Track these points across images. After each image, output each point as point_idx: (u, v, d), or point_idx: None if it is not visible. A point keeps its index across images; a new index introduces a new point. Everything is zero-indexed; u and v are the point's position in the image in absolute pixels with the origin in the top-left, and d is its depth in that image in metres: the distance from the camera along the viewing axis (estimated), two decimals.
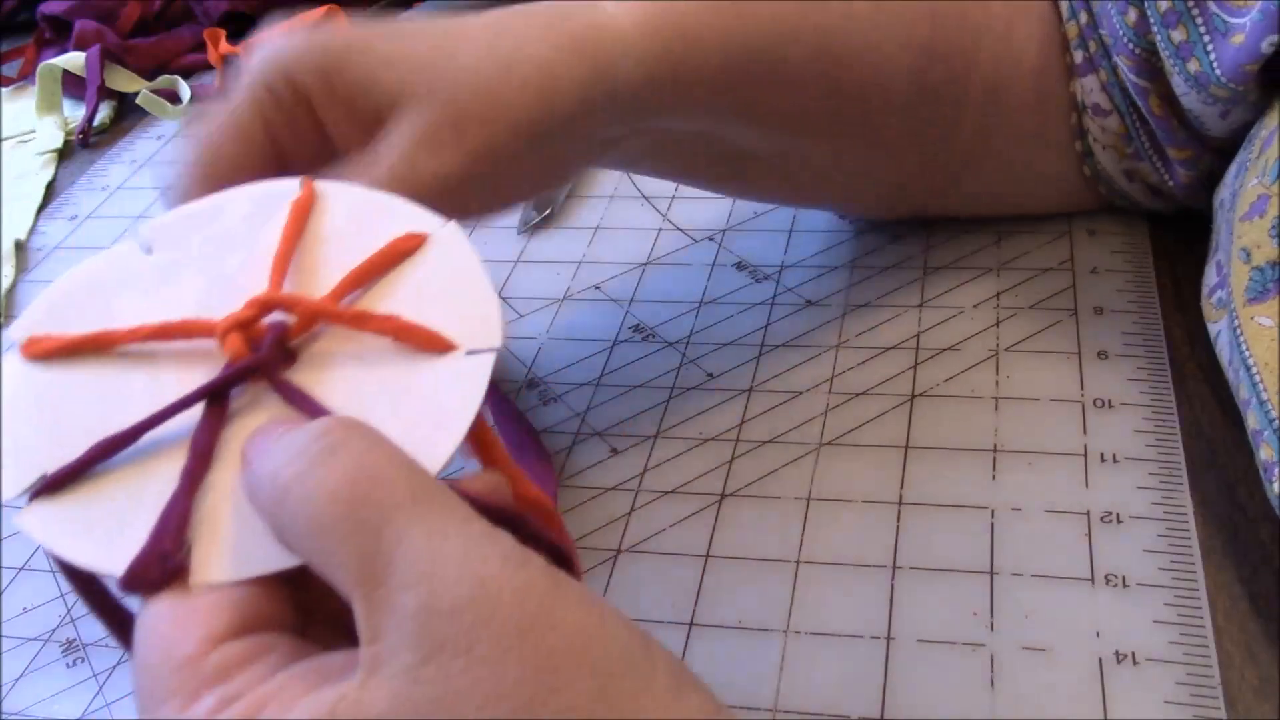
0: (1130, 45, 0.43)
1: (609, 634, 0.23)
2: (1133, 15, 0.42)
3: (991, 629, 0.36)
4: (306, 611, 0.26)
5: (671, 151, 0.44)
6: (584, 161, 0.43)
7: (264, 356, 0.27)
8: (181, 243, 0.31)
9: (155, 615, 0.25)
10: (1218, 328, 0.39)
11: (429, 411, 0.27)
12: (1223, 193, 0.41)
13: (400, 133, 0.35)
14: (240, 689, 0.23)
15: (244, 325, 0.28)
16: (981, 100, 0.46)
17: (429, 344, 0.27)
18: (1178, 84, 0.41)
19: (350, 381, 0.27)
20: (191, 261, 0.31)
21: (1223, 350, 0.38)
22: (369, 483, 0.23)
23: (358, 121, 0.35)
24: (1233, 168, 0.40)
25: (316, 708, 0.22)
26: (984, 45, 0.46)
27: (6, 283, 0.59)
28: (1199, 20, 0.40)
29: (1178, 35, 0.40)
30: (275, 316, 0.28)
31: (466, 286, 0.29)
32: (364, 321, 0.28)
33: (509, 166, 0.36)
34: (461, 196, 0.35)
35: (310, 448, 0.24)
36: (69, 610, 0.41)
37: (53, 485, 0.27)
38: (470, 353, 0.27)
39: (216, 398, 0.27)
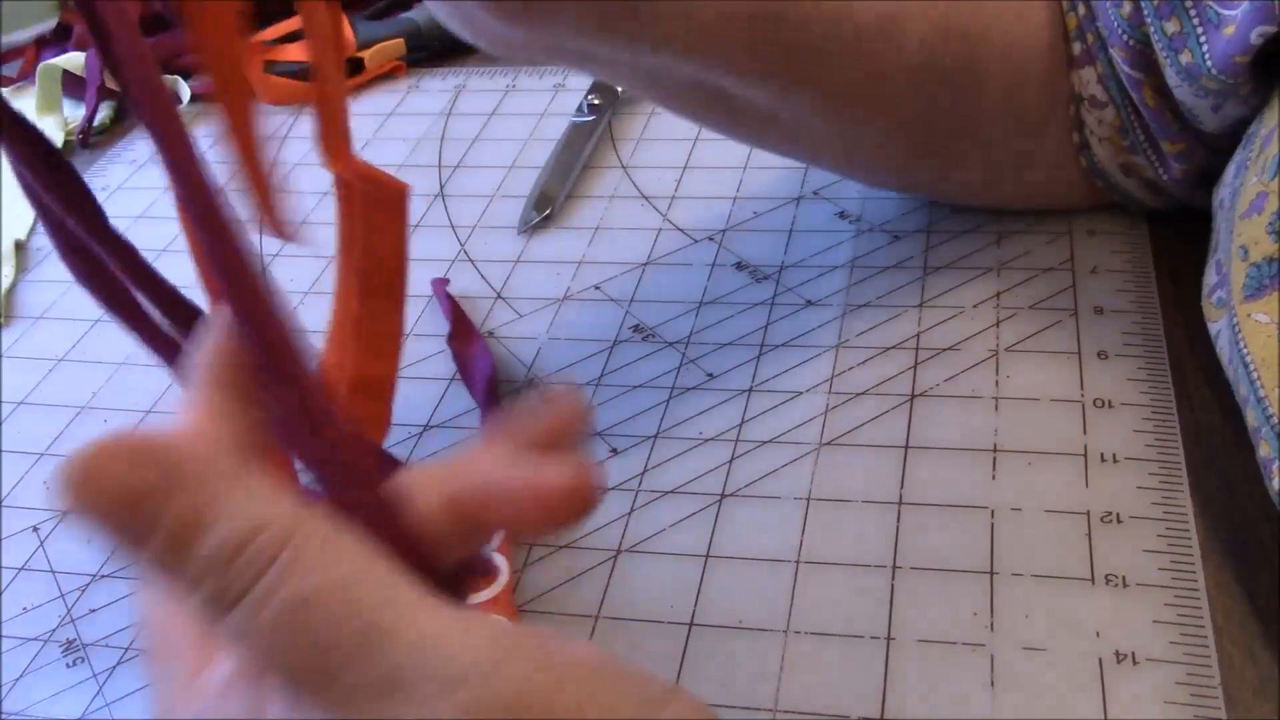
0: (1125, 37, 0.43)
1: (613, 705, 0.22)
2: (1128, 7, 0.43)
3: (991, 629, 0.36)
4: None
5: (666, 80, 0.44)
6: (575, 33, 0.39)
7: None
8: None
9: None
10: (1218, 327, 0.39)
11: None
12: (1222, 192, 0.41)
13: None
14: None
15: None
16: (999, 87, 0.46)
17: None
18: (1170, 76, 0.42)
19: None
20: None
21: (1223, 349, 0.38)
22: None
23: None
24: (1232, 167, 0.41)
25: None
26: (999, 29, 0.46)
27: (6, 283, 0.59)
28: (1193, 12, 0.40)
29: (1171, 27, 0.41)
30: None
31: None
32: None
33: None
34: None
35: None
36: (69, 610, 0.41)
37: None
38: None
39: None
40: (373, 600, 0.21)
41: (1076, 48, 0.46)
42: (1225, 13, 0.39)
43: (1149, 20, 0.42)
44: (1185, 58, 0.40)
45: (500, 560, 0.39)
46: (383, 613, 0.20)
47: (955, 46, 0.45)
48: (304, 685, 0.21)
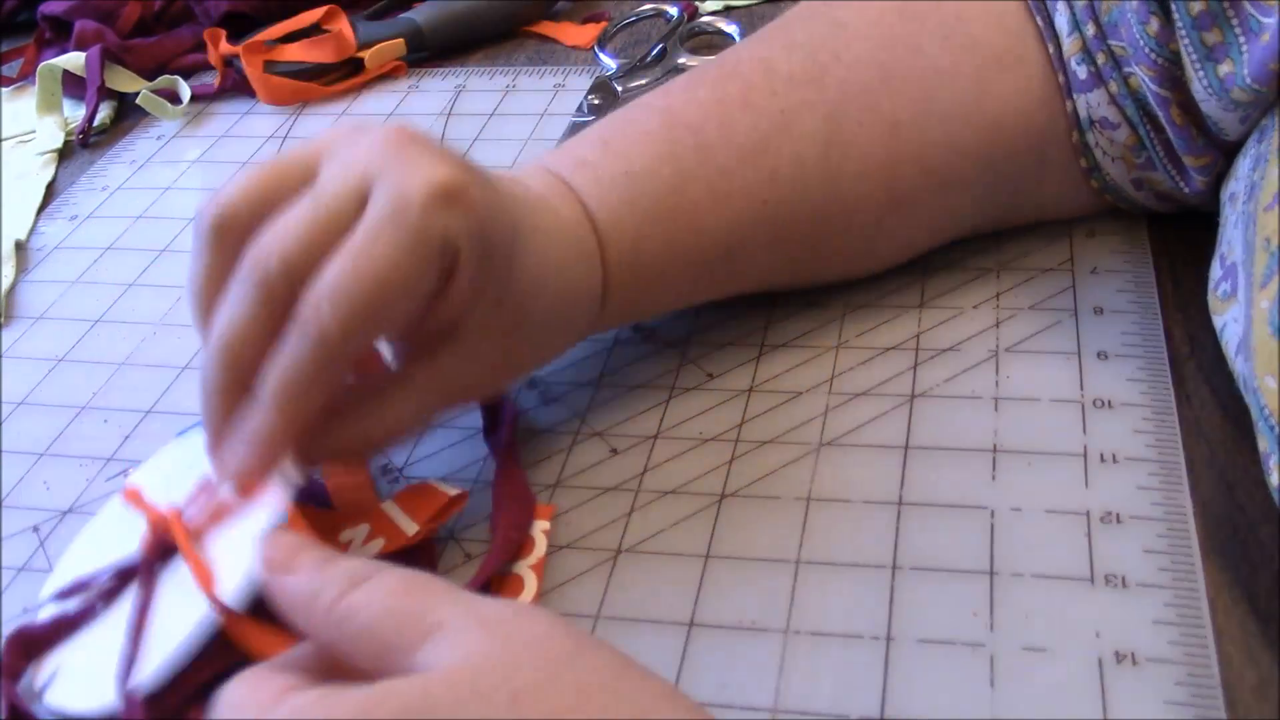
0: (1151, 54, 0.42)
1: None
2: (1155, 24, 0.42)
3: (991, 629, 0.36)
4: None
5: None
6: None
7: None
8: None
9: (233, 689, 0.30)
10: (1223, 320, 0.39)
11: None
12: (1234, 185, 0.41)
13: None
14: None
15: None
16: (974, 169, 0.47)
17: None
18: (1198, 90, 0.41)
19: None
20: None
21: (1228, 343, 0.38)
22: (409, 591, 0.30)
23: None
24: (1245, 161, 0.40)
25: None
26: (960, 123, 0.46)
27: (6, 283, 0.59)
28: (1234, 21, 0.39)
29: (1211, 37, 0.40)
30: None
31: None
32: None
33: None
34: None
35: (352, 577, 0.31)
36: None
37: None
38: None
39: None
40: None
41: (1083, 71, 0.45)
42: (1266, 20, 0.38)
43: (1184, 32, 0.41)
44: (1225, 68, 0.40)
45: (531, 578, 0.40)
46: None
47: (909, 171, 0.46)
48: None
